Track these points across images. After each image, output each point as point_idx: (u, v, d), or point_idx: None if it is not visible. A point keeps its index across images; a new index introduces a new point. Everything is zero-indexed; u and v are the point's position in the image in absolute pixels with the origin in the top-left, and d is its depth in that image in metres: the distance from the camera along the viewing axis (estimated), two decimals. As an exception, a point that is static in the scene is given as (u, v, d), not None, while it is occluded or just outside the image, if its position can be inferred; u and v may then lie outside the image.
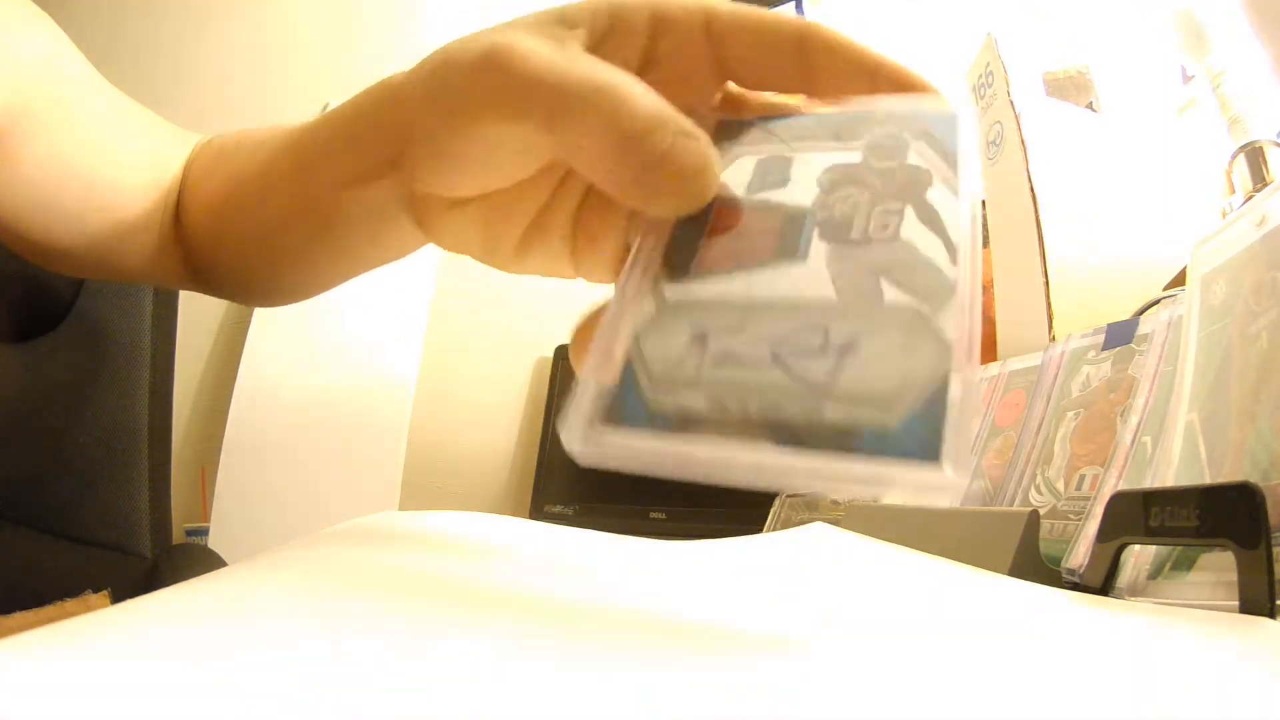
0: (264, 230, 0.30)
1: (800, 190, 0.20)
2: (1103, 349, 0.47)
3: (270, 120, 0.33)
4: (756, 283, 0.19)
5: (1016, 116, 0.65)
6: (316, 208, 0.28)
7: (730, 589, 0.25)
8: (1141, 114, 0.70)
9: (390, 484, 1.35)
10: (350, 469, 1.36)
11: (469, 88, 0.23)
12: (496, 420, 1.52)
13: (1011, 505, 0.49)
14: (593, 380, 0.18)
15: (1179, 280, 0.53)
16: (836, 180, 0.20)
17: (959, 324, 0.17)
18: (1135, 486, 0.38)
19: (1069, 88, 0.69)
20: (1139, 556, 0.30)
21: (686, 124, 0.21)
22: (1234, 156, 0.59)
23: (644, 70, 0.24)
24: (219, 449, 1.40)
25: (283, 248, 0.30)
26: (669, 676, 0.13)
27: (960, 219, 0.19)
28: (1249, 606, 0.21)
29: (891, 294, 0.18)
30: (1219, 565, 0.26)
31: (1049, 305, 0.61)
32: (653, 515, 1.21)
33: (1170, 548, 0.29)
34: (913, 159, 0.20)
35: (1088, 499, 0.41)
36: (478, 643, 0.14)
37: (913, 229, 0.19)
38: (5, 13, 0.31)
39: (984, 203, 0.73)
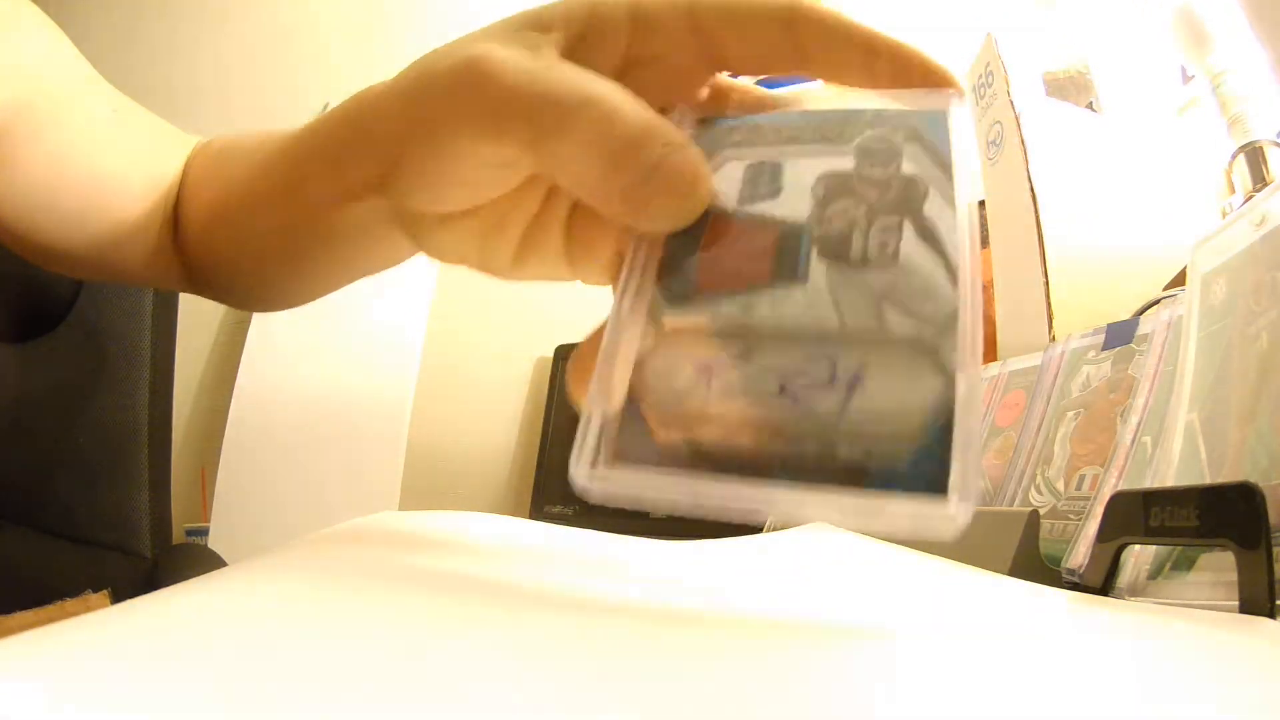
0: (256, 239, 0.30)
1: (793, 201, 0.20)
2: (1103, 349, 0.47)
3: (270, 120, 0.33)
4: (759, 308, 0.18)
5: (1016, 116, 0.65)
6: (306, 222, 0.27)
7: (730, 589, 0.25)
8: (1141, 114, 0.70)
9: (390, 484, 1.35)
10: (350, 469, 1.36)
11: (445, 105, 0.22)
12: (496, 420, 1.52)
13: (1011, 505, 0.49)
14: (596, 414, 0.18)
15: (1179, 280, 0.53)
16: (831, 190, 0.20)
17: (960, 329, 0.17)
18: (1135, 486, 0.38)
19: (1069, 88, 0.69)
20: (1139, 556, 0.30)
21: (676, 134, 0.20)
22: (1234, 156, 0.59)
23: (627, 70, 0.24)
24: (219, 449, 1.40)
25: (276, 257, 0.30)
26: (670, 676, 0.13)
27: (958, 232, 0.19)
28: (1249, 606, 0.21)
29: (895, 321, 0.18)
30: (1219, 565, 0.26)
31: (1049, 305, 0.61)
32: (652, 515, 1.21)
33: (1170, 548, 0.29)
34: (907, 166, 0.20)
35: (1088, 499, 0.41)
36: (478, 643, 0.14)
37: (911, 246, 0.19)
38: (5, 13, 0.31)
39: (983, 203, 0.73)
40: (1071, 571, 0.38)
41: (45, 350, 0.57)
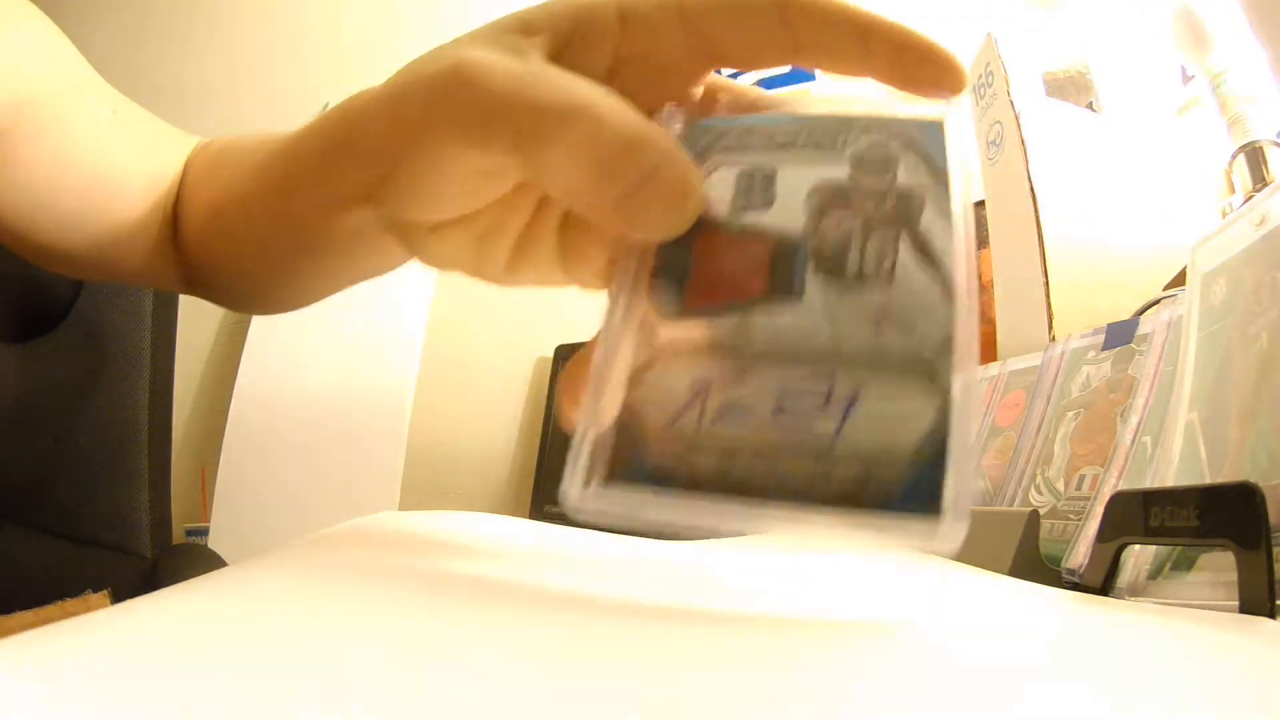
0: (252, 243, 0.30)
1: (787, 211, 0.20)
2: (1103, 349, 0.47)
3: (271, 120, 0.33)
4: (754, 325, 0.18)
5: (1016, 116, 0.65)
6: (300, 228, 0.27)
7: (730, 588, 0.25)
8: (1141, 114, 0.70)
9: (390, 484, 1.35)
10: (350, 469, 1.36)
11: (429, 112, 0.22)
12: (496, 420, 1.52)
13: (1011, 505, 0.49)
14: (589, 432, 0.18)
15: (1179, 280, 0.53)
16: (825, 201, 0.20)
17: (957, 350, 0.17)
18: (1135, 486, 0.38)
19: (1069, 88, 0.69)
20: (1139, 556, 0.30)
21: (667, 142, 0.20)
22: (1234, 156, 0.59)
23: (617, 71, 0.23)
24: (219, 449, 1.40)
25: (271, 261, 0.30)
26: (671, 676, 0.13)
27: (954, 248, 0.18)
28: (1249, 606, 0.21)
29: (892, 340, 0.18)
30: (1219, 565, 0.26)
31: (1049, 305, 0.61)
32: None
33: (1170, 548, 0.29)
34: (902, 177, 0.20)
35: (1088, 499, 0.41)
36: (478, 643, 0.14)
37: (907, 261, 0.18)
38: (4, 13, 0.31)
39: (983, 203, 0.73)
40: (1071, 571, 0.38)
41: (45, 350, 0.57)
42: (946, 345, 0.17)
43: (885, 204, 0.19)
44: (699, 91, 0.24)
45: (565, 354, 1.44)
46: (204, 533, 1.34)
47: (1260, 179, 0.57)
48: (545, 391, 1.49)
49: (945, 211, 0.19)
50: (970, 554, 0.35)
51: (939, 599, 0.26)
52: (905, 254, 0.18)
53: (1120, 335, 0.46)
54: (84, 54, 0.34)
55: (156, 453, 0.62)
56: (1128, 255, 0.63)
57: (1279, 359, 0.29)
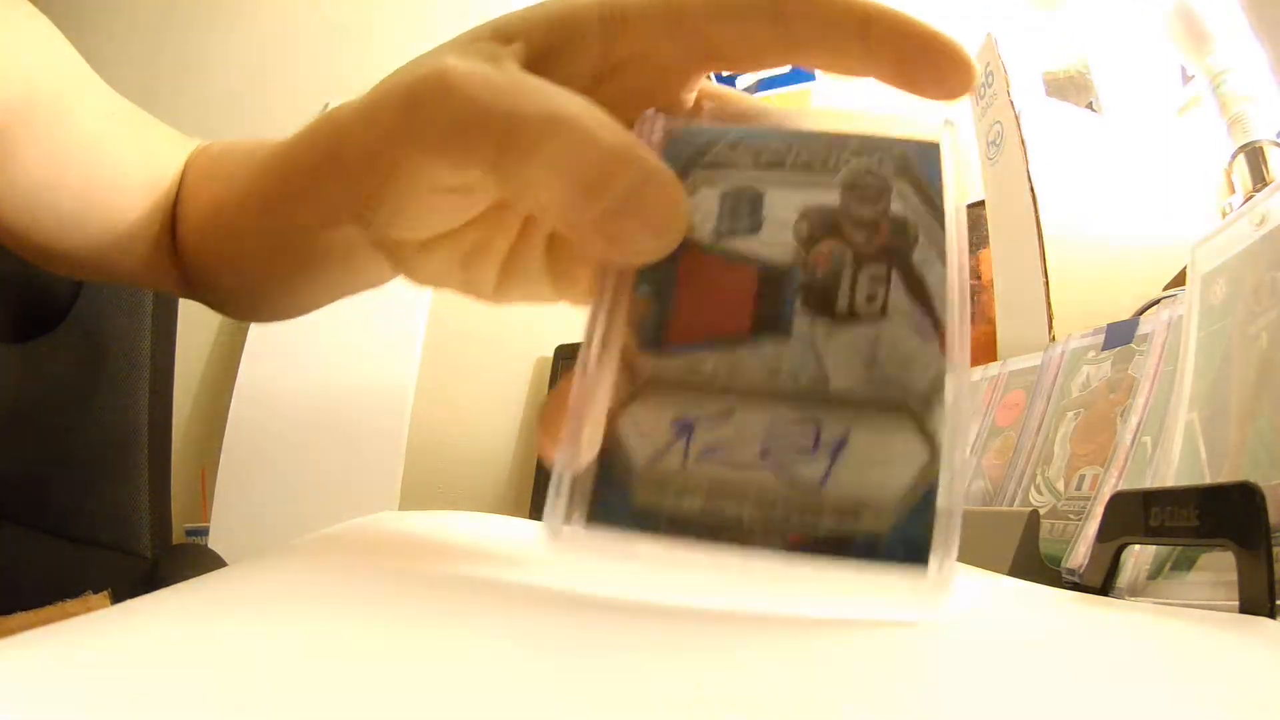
0: (245, 253, 0.29)
1: (774, 238, 0.19)
2: (1103, 349, 0.47)
3: (271, 120, 0.33)
4: (740, 363, 0.18)
5: (1016, 116, 0.66)
6: (290, 242, 0.26)
7: (730, 588, 0.25)
8: (1141, 114, 0.70)
9: (390, 484, 1.35)
10: (350, 469, 1.36)
11: (402, 125, 0.20)
12: (496, 420, 1.52)
13: (1011, 505, 0.49)
14: (567, 471, 0.17)
15: (1179, 280, 0.53)
16: (815, 229, 0.19)
17: (947, 396, 0.17)
18: (1135, 486, 0.38)
19: (1069, 88, 0.69)
20: (1139, 556, 0.30)
21: (652, 159, 0.19)
22: (1234, 156, 0.60)
23: (603, 79, 0.22)
24: (219, 449, 1.41)
25: (264, 272, 0.29)
26: (673, 674, 0.13)
27: (947, 283, 0.18)
28: (1249, 606, 0.21)
29: (881, 384, 0.17)
30: (1219, 565, 0.26)
31: (1049, 305, 0.61)
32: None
33: (1170, 548, 0.29)
34: (895, 205, 0.19)
35: (1088, 499, 0.41)
36: (478, 643, 0.14)
37: (899, 300, 0.18)
38: (3, 14, 0.31)
39: (983, 203, 0.73)
40: (1071, 571, 0.38)
41: (45, 350, 0.57)
42: (936, 389, 0.17)
43: (877, 235, 0.18)
44: (692, 98, 0.23)
45: (565, 354, 1.45)
46: (204, 533, 1.35)
47: (1260, 179, 0.57)
48: (545, 391, 1.49)
49: (938, 246, 0.18)
50: (970, 554, 0.35)
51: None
52: (896, 291, 0.18)
53: (1120, 335, 0.46)
54: (84, 54, 0.34)
55: (156, 453, 0.62)
56: (1128, 255, 0.63)
57: (1279, 359, 0.29)
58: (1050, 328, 0.60)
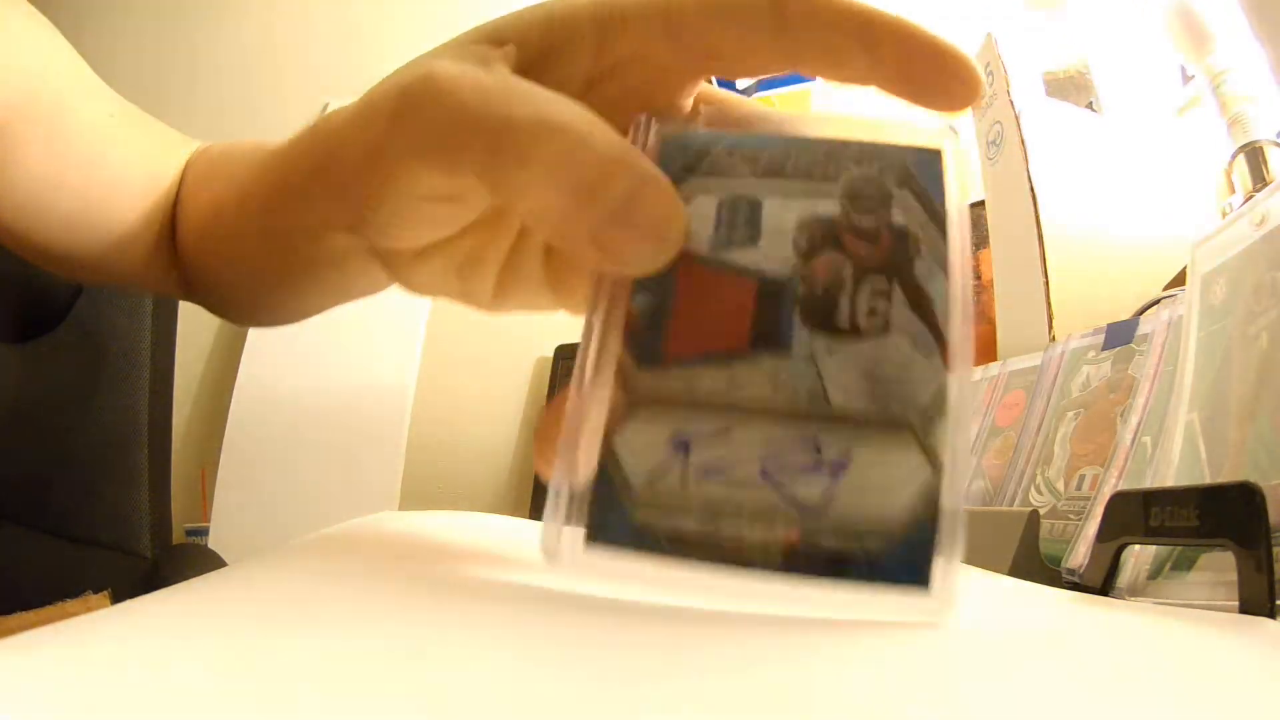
0: (242, 258, 0.29)
1: (772, 249, 0.18)
2: (1103, 349, 0.47)
3: (271, 121, 0.33)
4: (739, 379, 0.17)
5: (1016, 116, 0.66)
6: (286, 249, 0.26)
7: (730, 589, 0.25)
8: (1141, 114, 0.70)
9: (390, 484, 1.35)
10: (350, 469, 1.36)
11: (393, 131, 0.20)
12: (496, 420, 1.52)
13: (1011, 505, 0.49)
14: (563, 490, 0.17)
15: (1179, 280, 0.53)
16: (814, 240, 0.18)
17: (950, 412, 0.17)
18: (1135, 486, 0.38)
19: (1069, 88, 0.69)
20: (1139, 556, 0.30)
21: (649, 167, 0.18)
22: (1234, 156, 0.60)
23: (596, 83, 0.21)
24: (219, 449, 1.41)
25: (261, 277, 0.29)
26: (675, 675, 0.13)
27: (950, 296, 0.18)
28: (1249, 606, 0.21)
29: (883, 401, 0.17)
30: (1219, 565, 0.26)
31: (1049, 305, 0.61)
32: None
33: (1170, 548, 0.29)
34: (896, 216, 0.18)
35: (1088, 499, 0.41)
36: (478, 643, 0.14)
37: (900, 314, 0.18)
38: (3, 14, 0.31)
39: (983, 203, 0.73)
40: (1071, 571, 0.38)
41: (45, 350, 0.57)
42: (939, 406, 0.17)
43: (878, 247, 0.18)
44: (689, 103, 0.23)
45: (565, 354, 1.45)
46: (204, 533, 1.35)
47: (1260, 179, 0.57)
48: (545, 391, 1.49)
49: (940, 258, 0.18)
50: (970, 554, 0.35)
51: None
52: (898, 305, 0.18)
53: (1120, 335, 0.46)
54: (84, 54, 0.34)
55: (156, 453, 0.62)
56: (1128, 255, 0.63)
57: (1279, 359, 0.29)
58: (1050, 328, 0.60)
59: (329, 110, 0.24)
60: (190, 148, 0.35)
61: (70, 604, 0.38)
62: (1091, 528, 0.38)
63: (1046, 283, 0.61)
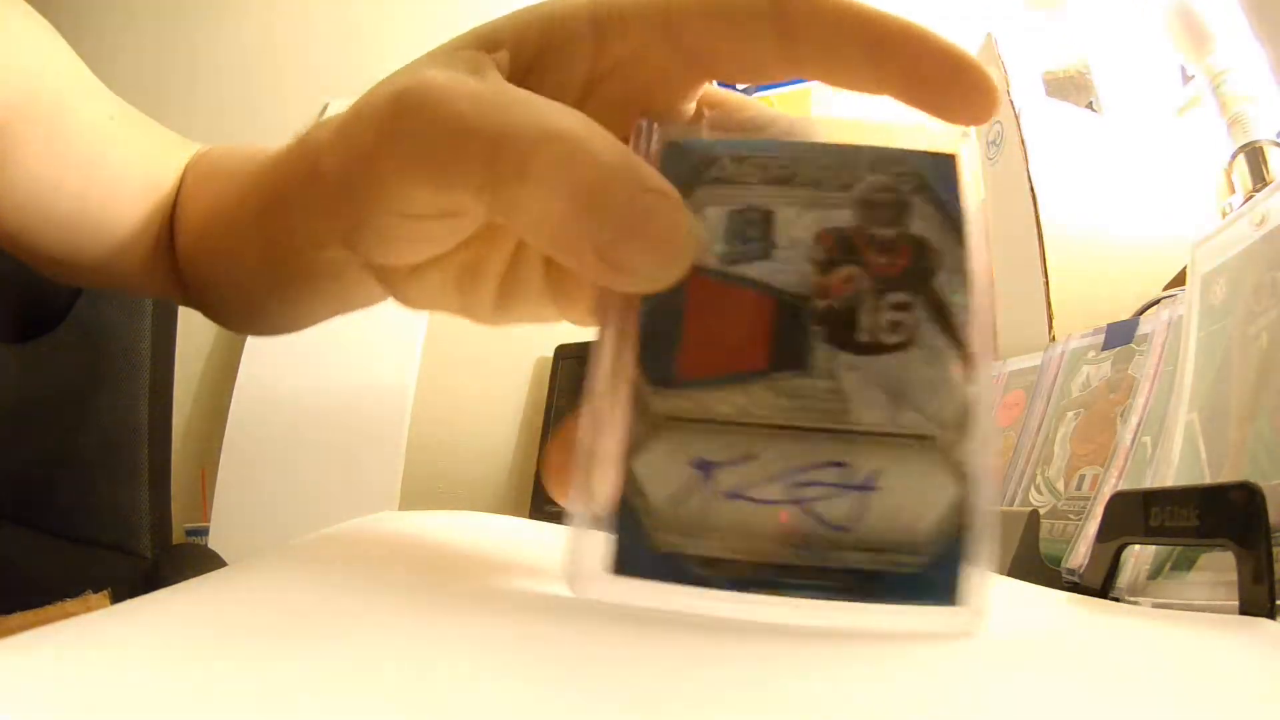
0: (238, 266, 0.29)
1: (787, 262, 0.17)
2: (1103, 349, 0.47)
3: (271, 121, 0.33)
4: (758, 399, 0.17)
5: (1016, 116, 0.66)
6: (280, 259, 0.25)
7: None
8: (1141, 114, 0.70)
9: (390, 484, 1.35)
10: (350, 469, 1.36)
11: (382, 144, 0.19)
12: (496, 420, 1.52)
13: (1011, 505, 0.49)
14: (584, 519, 0.16)
15: (1179, 280, 0.53)
16: (831, 253, 0.17)
17: (979, 401, 0.17)
18: (1135, 486, 0.38)
19: (1069, 88, 0.69)
20: (1139, 556, 0.30)
21: (654, 175, 0.17)
22: (1234, 156, 0.60)
23: (593, 89, 0.21)
24: (219, 449, 1.41)
25: (257, 286, 0.28)
26: (677, 675, 0.13)
27: (973, 306, 0.17)
28: (1249, 607, 0.21)
29: (908, 418, 0.16)
30: (1219, 565, 0.26)
31: (1049, 305, 0.61)
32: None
33: (1170, 548, 0.29)
34: (915, 227, 0.18)
35: (1088, 499, 0.41)
36: (478, 643, 0.14)
37: (923, 328, 0.17)
38: (3, 14, 0.31)
39: (984, 202, 0.73)
40: (1071, 571, 0.38)
41: (45, 350, 0.57)
42: (964, 419, 0.16)
43: (897, 259, 0.17)
44: (692, 107, 0.22)
45: (565, 354, 1.44)
46: (204, 533, 1.35)
47: (1260, 179, 0.57)
48: (545, 391, 1.49)
49: (960, 267, 0.17)
50: (970, 554, 0.35)
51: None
52: (920, 318, 0.17)
53: (1120, 335, 0.46)
54: (84, 54, 0.34)
55: (156, 453, 0.62)
56: (1128, 255, 0.63)
57: (1279, 359, 0.29)
58: (1050, 328, 0.60)
59: (328, 111, 0.24)
60: (190, 150, 0.35)
61: (70, 604, 0.38)
62: (1091, 528, 0.38)
63: (1046, 283, 0.61)
